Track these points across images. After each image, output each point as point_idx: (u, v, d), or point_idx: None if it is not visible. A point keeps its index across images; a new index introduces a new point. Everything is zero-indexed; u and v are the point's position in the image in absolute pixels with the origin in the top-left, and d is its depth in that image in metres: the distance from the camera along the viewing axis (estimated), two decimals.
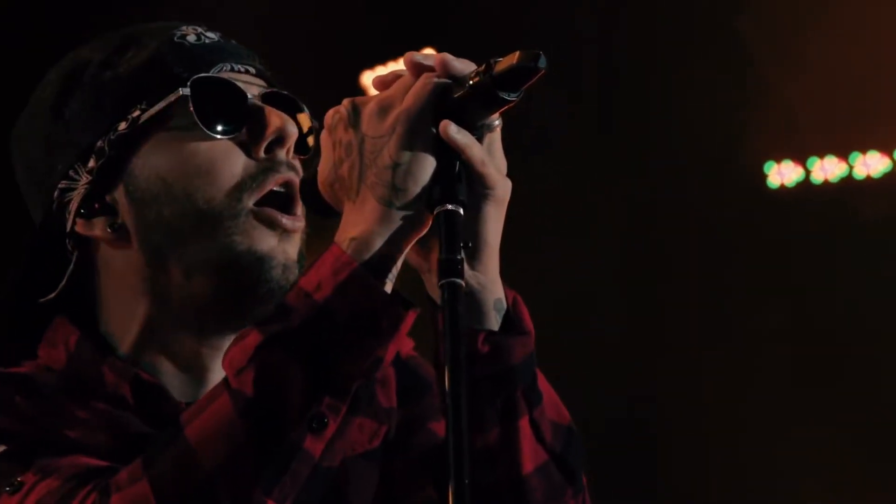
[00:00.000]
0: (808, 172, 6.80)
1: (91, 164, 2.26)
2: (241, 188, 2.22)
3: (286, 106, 2.32)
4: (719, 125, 6.58)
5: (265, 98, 2.30)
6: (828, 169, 6.78)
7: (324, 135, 2.07)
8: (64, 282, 2.28)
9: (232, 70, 2.30)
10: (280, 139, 2.25)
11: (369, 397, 2.07)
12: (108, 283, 2.30)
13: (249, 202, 2.22)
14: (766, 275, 6.63)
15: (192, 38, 2.30)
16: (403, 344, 2.31)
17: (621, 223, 6.68)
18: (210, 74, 2.26)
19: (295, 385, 1.94)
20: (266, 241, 2.21)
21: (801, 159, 6.80)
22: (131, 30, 2.34)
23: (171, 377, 2.26)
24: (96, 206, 2.27)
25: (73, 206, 2.28)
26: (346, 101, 2.05)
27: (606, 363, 6.58)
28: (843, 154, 6.75)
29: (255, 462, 1.94)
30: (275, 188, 2.25)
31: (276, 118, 2.26)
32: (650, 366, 6.64)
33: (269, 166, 2.25)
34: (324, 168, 2.06)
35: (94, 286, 2.31)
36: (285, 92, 2.34)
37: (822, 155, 6.79)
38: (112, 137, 2.24)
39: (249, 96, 2.27)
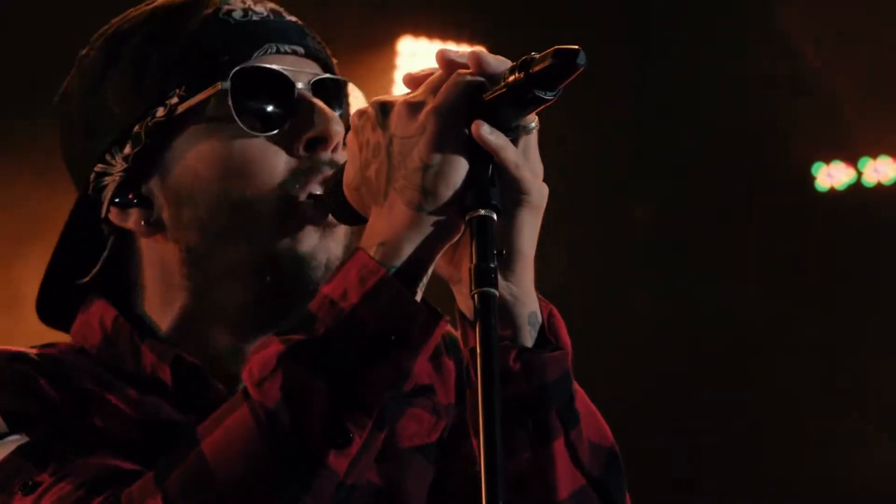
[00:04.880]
0: (859, 174, 6.81)
1: (127, 149, 2.27)
2: (282, 186, 2.23)
3: (337, 91, 2.32)
4: (762, 123, 6.60)
5: (315, 85, 2.29)
6: (881, 170, 6.79)
7: (350, 137, 2.08)
8: (98, 267, 2.31)
9: (278, 52, 2.28)
10: (323, 140, 2.26)
11: (428, 390, 2.07)
12: (144, 269, 2.32)
13: (290, 202, 2.23)
14: (813, 283, 6.65)
15: (238, 13, 2.29)
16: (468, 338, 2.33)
17: (659, 228, 6.71)
18: (253, 64, 2.26)
19: (318, 398, 1.95)
20: (307, 241, 2.23)
21: (852, 160, 6.81)
22: (177, 1, 2.32)
23: (212, 362, 2.27)
24: (131, 196, 2.29)
25: (108, 194, 2.29)
26: (373, 101, 2.06)
27: (643, 372, 6.61)
28: None
29: (275, 479, 1.96)
30: (319, 192, 2.25)
31: (320, 116, 2.26)
32: (690, 374, 6.67)
33: (311, 166, 2.25)
34: (349, 171, 2.07)
35: (132, 269, 2.34)
36: (337, 77, 2.34)
37: (874, 155, 6.80)
38: (149, 124, 2.25)
39: (298, 86, 2.27)
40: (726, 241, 6.69)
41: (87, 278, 2.31)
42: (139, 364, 2.25)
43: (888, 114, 6.60)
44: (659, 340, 6.72)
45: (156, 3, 2.34)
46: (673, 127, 6.59)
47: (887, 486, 6.59)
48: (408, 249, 1.99)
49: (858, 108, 6.60)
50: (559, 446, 2.09)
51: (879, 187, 6.77)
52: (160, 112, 2.24)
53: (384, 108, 2.04)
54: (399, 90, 6.24)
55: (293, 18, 2.35)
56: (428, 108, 2.01)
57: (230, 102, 2.23)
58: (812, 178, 6.80)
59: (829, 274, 6.65)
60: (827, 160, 6.80)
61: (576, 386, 2.15)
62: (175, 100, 2.25)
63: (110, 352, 2.28)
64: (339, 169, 2.14)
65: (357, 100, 2.37)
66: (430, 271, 2.04)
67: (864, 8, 6.37)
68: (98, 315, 2.31)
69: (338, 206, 2.14)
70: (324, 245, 2.25)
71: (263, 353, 2.01)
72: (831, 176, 6.81)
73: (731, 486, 6.69)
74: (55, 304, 2.36)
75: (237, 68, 2.25)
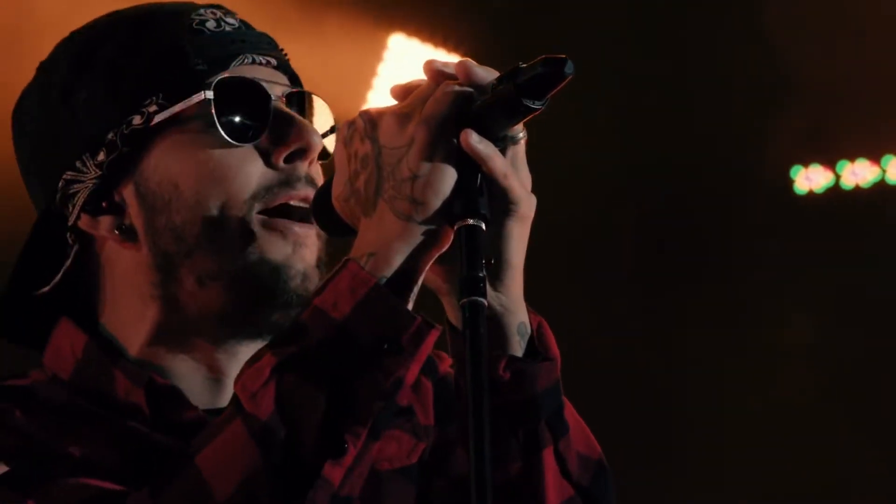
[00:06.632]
0: (837, 177, 6.85)
1: (101, 156, 2.28)
2: (254, 198, 2.26)
3: (308, 105, 2.35)
4: (740, 127, 6.64)
5: (288, 98, 2.33)
6: (859, 173, 6.84)
7: (338, 148, 2.10)
8: (59, 276, 2.31)
9: (253, 62, 2.32)
10: (302, 151, 2.29)
11: (407, 411, 2.09)
12: (112, 282, 2.33)
13: (257, 210, 2.25)
14: (792, 287, 6.69)
15: (211, 23, 2.31)
16: (442, 360, 2.37)
17: (639, 231, 6.74)
18: (233, 75, 2.29)
19: (312, 409, 1.97)
20: (280, 251, 2.25)
21: (830, 163, 6.86)
22: (147, 9, 2.34)
23: (186, 381, 2.28)
24: (104, 203, 2.30)
25: (79, 201, 2.30)
26: (361, 112, 2.08)
27: (622, 375, 6.65)
28: (876, 157, 6.81)
29: (271, 491, 1.97)
30: (292, 203, 2.28)
31: (300, 128, 2.29)
32: (667, 378, 6.71)
33: (286, 179, 2.28)
34: (338, 182, 2.09)
35: (97, 282, 2.33)
36: (308, 92, 2.37)
37: (852, 158, 6.84)
38: (125, 132, 2.27)
39: (273, 97, 2.30)
40: (705, 245, 6.73)
41: (47, 287, 2.30)
42: (113, 390, 2.25)
43: (866, 117, 6.64)
44: (641, 344, 6.75)
45: (119, 14, 2.35)
46: (651, 130, 6.63)
47: None
48: (398, 260, 2.01)
49: (837, 111, 6.64)
50: (548, 456, 2.11)
51: (857, 190, 6.82)
52: (137, 120, 2.26)
53: (373, 120, 2.06)
54: (381, 82, 6.29)
55: (262, 31, 2.38)
56: (417, 118, 2.03)
57: (213, 112, 2.25)
58: (791, 182, 6.84)
59: (809, 277, 6.70)
60: (805, 163, 6.85)
61: (563, 398, 2.17)
62: (153, 108, 2.26)
63: (83, 380, 2.27)
64: (328, 181, 2.15)
65: (321, 115, 2.39)
66: (420, 281, 2.05)
67: (843, 11, 6.41)
68: (67, 340, 2.30)
69: (327, 219, 2.15)
70: (298, 254, 2.27)
71: (256, 365, 2.02)
72: (810, 179, 6.85)
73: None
74: (17, 320, 2.35)
75: (219, 78, 2.27)
